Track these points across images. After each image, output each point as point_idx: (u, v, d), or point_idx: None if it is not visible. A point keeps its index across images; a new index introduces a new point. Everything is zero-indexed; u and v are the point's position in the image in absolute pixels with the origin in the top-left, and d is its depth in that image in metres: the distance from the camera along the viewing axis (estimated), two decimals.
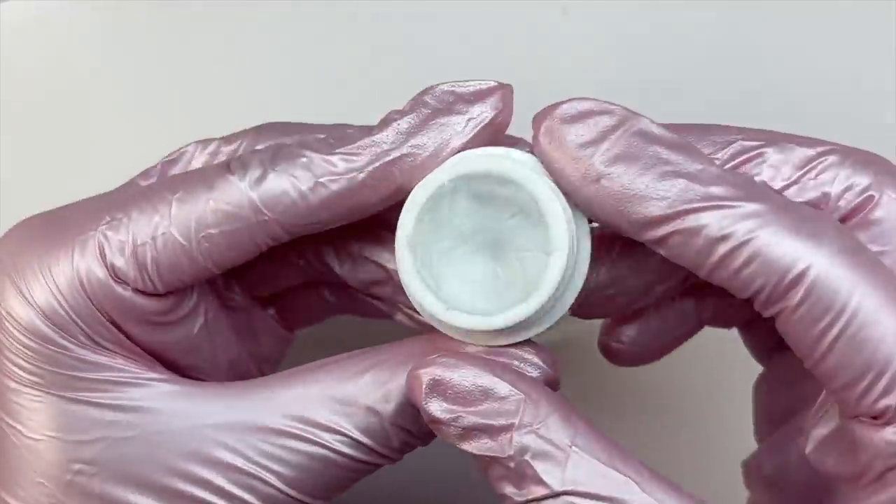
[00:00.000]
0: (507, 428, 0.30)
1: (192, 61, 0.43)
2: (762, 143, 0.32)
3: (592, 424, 0.31)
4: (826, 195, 0.32)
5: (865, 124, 0.41)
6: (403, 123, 0.31)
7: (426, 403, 0.30)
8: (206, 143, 0.35)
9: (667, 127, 0.31)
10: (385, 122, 0.32)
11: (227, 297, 0.36)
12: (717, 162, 0.32)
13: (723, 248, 0.29)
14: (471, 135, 0.31)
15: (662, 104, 0.41)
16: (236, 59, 0.43)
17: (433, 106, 0.31)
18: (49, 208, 0.38)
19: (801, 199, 0.32)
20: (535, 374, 0.32)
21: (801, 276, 0.29)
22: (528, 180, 0.30)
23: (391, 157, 0.31)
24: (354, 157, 0.31)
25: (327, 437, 0.32)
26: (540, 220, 0.30)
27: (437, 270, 0.31)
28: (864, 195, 0.32)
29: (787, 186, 0.32)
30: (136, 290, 0.32)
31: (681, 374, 0.44)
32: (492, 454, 0.30)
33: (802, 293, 0.29)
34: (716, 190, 0.29)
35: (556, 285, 0.30)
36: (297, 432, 0.32)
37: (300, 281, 0.37)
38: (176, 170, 0.35)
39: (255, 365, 0.38)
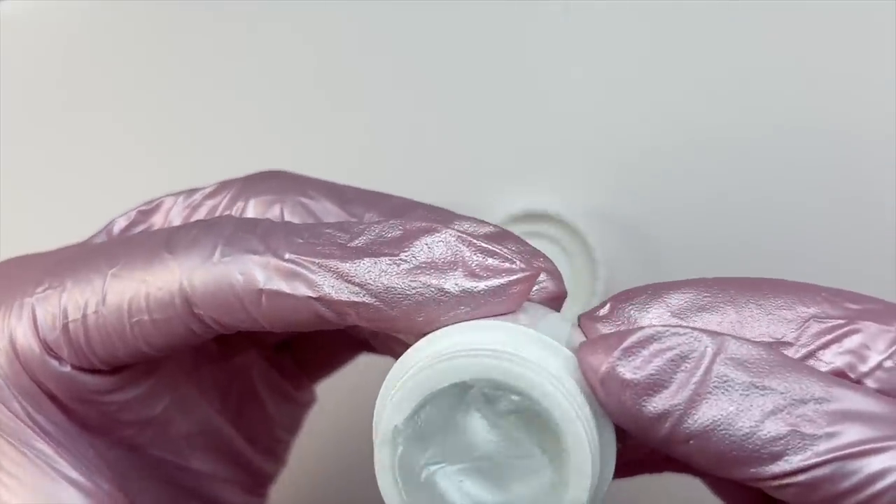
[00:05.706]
0: None
1: (192, 61, 0.43)
2: (843, 321, 0.26)
3: None
4: None
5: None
6: (392, 268, 0.25)
7: None
8: (188, 193, 0.30)
9: (746, 341, 0.25)
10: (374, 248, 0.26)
11: (215, 356, 0.32)
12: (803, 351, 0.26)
13: (861, 496, 0.24)
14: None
15: (664, 103, 0.41)
16: (237, 58, 0.43)
17: (436, 256, 0.25)
18: (48, 208, 0.38)
19: None
20: None
21: None
22: (544, 396, 0.23)
23: (352, 300, 0.25)
24: (312, 276, 0.25)
25: None
26: (557, 449, 0.24)
27: (417, 477, 0.24)
28: None
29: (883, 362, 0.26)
30: (75, 367, 0.28)
31: None
32: None
33: None
34: (850, 432, 0.24)
35: None
36: None
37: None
38: (153, 220, 0.30)
39: (256, 436, 0.33)
